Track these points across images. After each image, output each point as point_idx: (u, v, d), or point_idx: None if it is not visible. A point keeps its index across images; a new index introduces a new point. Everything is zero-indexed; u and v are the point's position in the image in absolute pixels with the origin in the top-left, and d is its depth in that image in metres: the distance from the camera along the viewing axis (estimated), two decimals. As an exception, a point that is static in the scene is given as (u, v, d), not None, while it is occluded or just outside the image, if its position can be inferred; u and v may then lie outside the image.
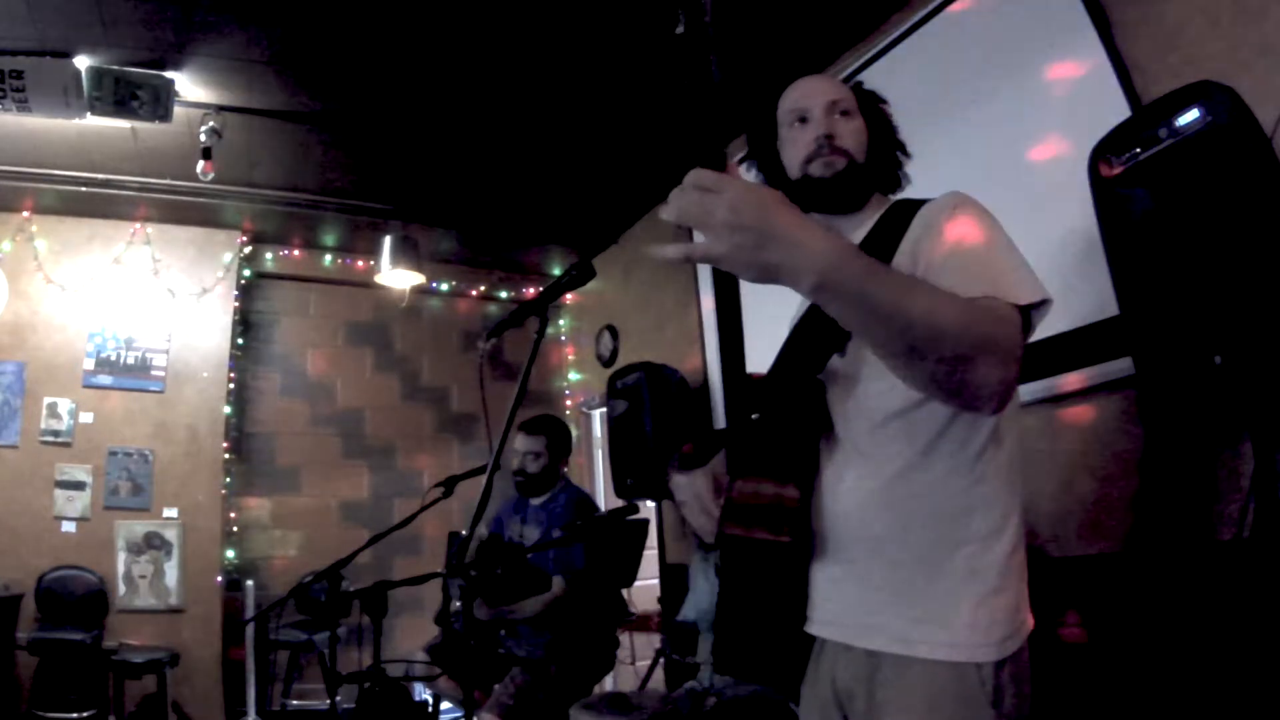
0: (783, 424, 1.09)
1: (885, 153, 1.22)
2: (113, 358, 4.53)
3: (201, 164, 3.59)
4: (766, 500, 1.04)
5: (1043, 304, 0.95)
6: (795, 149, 1.19)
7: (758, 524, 1.04)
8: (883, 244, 1.09)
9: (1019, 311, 0.93)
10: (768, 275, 0.81)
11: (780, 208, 0.81)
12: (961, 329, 0.83)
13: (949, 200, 1.07)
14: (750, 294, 1.16)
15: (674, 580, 4.32)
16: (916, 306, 0.82)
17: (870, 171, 1.19)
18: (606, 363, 5.27)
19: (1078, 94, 2.32)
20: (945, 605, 1.00)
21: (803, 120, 1.19)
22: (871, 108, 1.24)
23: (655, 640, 3.93)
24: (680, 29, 0.97)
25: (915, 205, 1.12)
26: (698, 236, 0.83)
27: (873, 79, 1.33)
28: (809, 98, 1.20)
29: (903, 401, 1.02)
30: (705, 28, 0.95)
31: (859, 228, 1.18)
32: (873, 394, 1.05)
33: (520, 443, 3.07)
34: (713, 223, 0.80)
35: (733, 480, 1.07)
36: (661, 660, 3.52)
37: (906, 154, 1.26)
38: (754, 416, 1.10)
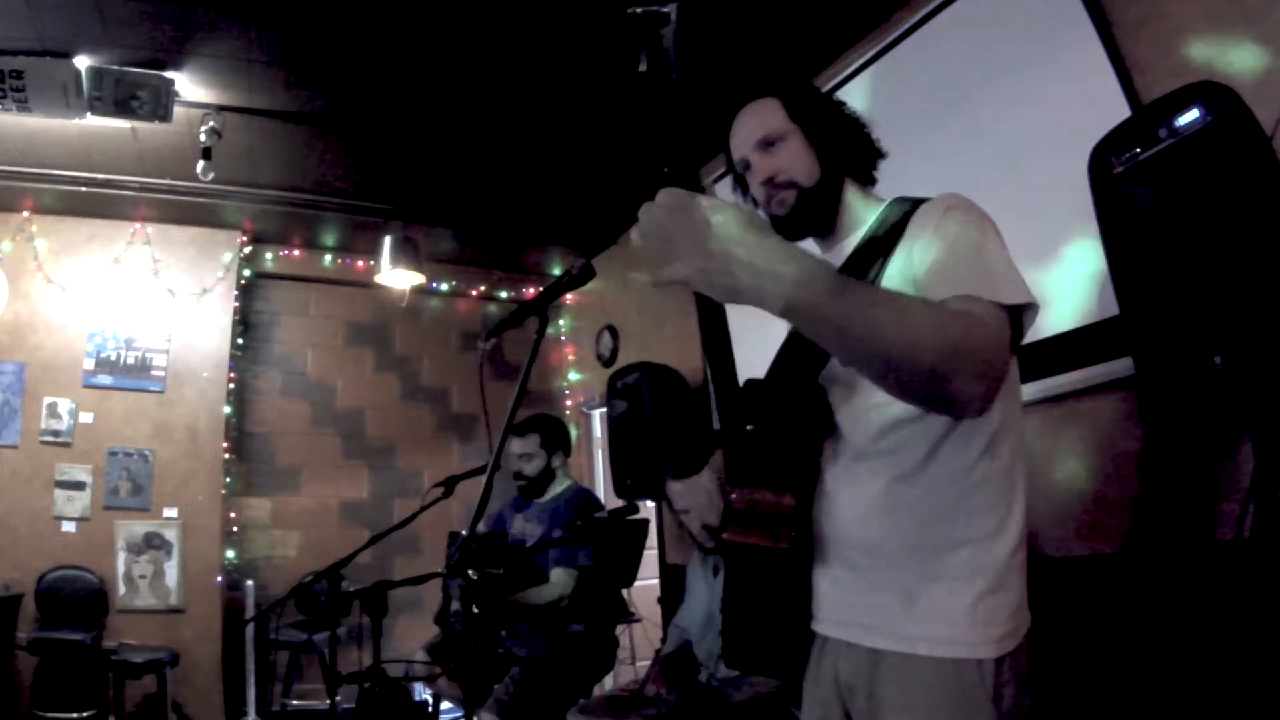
0: (781, 431, 1.09)
1: (841, 153, 1.19)
2: (113, 358, 4.53)
3: (201, 164, 3.59)
4: (764, 508, 1.05)
5: (1030, 308, 0.95)
6: (755, 195, 1.22)
7: (755, 531, 1.05)
8: (879, 248, 1.09)
9: (1005, 311, 0.92)
10: (736, 297, 0.81)
11: (749, 229, 0.80)
12: (935, 346, 0.81)
13: (944, 202, 1.07)
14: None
15: (674, 580, 4.32)
16: (889, 326, 0.81)
17: (827, 185, 1.18)
18: (606, 363, 5.27)
19: (1078, 94, 2.32)
20: (945, 603, 1.00)
21: (748, 167, 1.21)
22: (810, 113, 1.19)
23: (655, 640, 3.93)
24: (643, 67, 0.96)
25: (913, 204, 1.11)
26: None
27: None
28: (741, 146, 1.21)
29: (902, 407, 1.01)
30: (669, 67, 0.94)
31: (854, 232, 1.19)
32: (871, 399, 1.04)
33: (513, 446, 3.04)
34: (680, 244, 0.79)
35: (731, 488, 1.07)
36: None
37: (871, 138, 1.23)
38: (749, 427, 1.10)
